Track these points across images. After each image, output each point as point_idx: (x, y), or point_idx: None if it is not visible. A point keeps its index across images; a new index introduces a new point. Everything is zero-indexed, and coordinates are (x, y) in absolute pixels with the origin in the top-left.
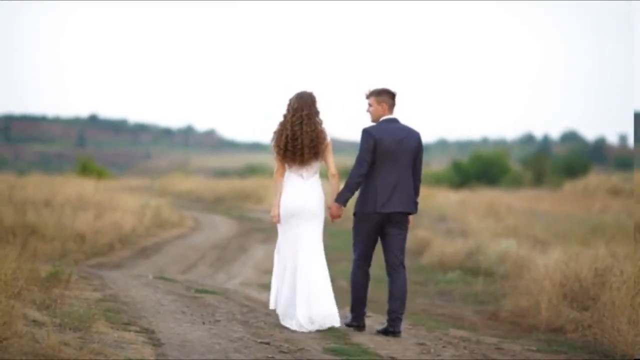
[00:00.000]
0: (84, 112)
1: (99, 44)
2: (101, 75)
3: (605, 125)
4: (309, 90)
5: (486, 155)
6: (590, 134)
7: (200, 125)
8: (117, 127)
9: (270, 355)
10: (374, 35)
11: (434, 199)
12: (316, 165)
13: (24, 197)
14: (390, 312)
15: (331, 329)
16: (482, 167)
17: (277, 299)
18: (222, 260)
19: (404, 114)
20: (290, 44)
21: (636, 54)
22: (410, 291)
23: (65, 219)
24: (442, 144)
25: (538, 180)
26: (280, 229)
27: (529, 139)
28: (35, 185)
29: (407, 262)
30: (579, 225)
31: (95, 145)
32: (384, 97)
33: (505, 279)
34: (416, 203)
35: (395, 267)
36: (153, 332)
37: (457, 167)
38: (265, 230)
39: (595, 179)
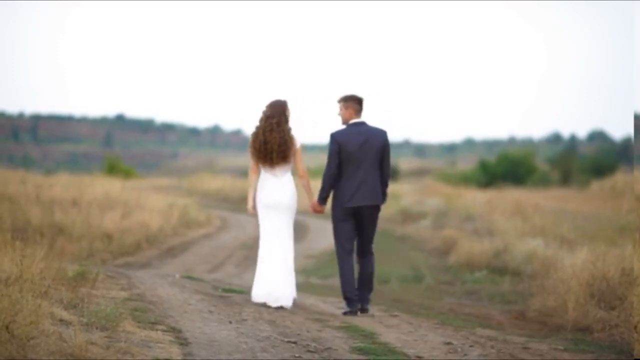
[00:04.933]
0: (111, 112)
1: (126, 44)
2: (128, 75)
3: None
4: (282, 98)
5: (513, 155)
6: (617, 134)
7: (227, 125)
8: (144, 127)
9: (297, 355)
10: (402, 36)
11: (461, 199)
12: (287, 166)
13: (52, 197)
14: (359, 292)
15: (358, 329)
16: (509, 167)
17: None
18: (249, 260)
19: (431, 113)
20: (318, 45)
21: (636, 54)
22: (437, 290)
23: (92, 218)
24: (469, 143)
25: (565, 179)
26: (260, 220)
27: (556, 138)
28: (63, 184)
29: (434, 261)
30: (606, 225)
31: (123, 145)
32: (350, 102)
33: (532, 279)
34: (384, 194)
35: (363, 254)
36: (180, 331)
37: (484, 166)
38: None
39: (622, 178)
